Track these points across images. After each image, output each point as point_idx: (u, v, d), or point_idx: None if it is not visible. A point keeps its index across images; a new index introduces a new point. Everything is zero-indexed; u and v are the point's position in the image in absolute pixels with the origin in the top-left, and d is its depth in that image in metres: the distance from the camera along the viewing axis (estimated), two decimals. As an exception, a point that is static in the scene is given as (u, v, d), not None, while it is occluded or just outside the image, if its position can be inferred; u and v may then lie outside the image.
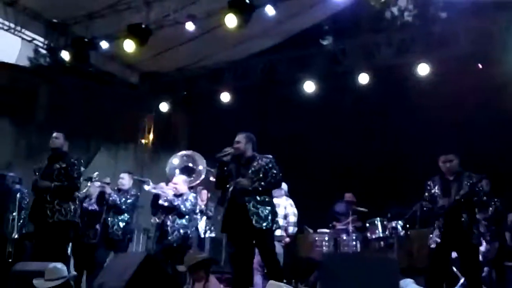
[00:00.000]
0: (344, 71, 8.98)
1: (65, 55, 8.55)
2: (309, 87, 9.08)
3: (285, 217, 7.18)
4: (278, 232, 6.69)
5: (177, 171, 7.44)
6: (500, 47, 7.76)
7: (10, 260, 6.70)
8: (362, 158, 9.51)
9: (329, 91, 9.21)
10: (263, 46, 9.13)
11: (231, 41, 8.64)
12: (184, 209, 6.75)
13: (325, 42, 8.58)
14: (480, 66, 8.36)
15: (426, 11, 8.91)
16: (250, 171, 5.34)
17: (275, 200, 6.73)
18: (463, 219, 5.32)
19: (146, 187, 7.04)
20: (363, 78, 8.70)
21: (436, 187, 5.55)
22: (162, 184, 7.03)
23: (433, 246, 5.54)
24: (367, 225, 8.15)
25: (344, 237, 8.19)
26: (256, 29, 8.26)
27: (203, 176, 7.49)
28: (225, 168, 5.44)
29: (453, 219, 5.35)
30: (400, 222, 7.89)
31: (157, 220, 6.86)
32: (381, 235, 8.00)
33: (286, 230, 7.21)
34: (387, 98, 9.18)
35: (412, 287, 5.15)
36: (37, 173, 5.99)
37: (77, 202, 6.20)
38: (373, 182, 9.18)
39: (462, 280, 6.40)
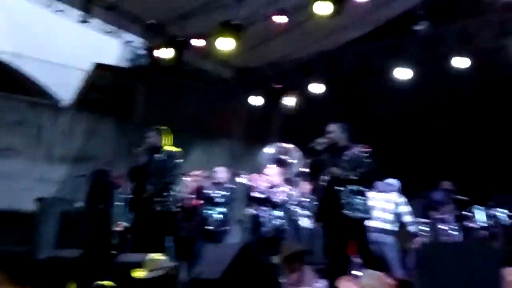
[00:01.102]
0: (441, 57, 8.58)
1: (162, 54, 8.85)
2: (403, 74, 8.79)
3: (399, 215, 6.93)
4: (387, 226, 6.64)
5: (270, 162, 7.48)
6: None
7: (114, 252, 7.06)
8: (461, 144, 9.08)
9: (425, 78, 8.86)
10: (354, 35, 8.94)
11: (321, 32, 8.56)
12: (277, 200, 6.79)
13: (419, 28, 8.22)
14: None
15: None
16: (344, 161, 5.30)
17: (384, 195, 6.67)
18: None
19: (240, 180, 7.15)
20: (462, 63, 8.29)
21: None
22: (256, 176, 7.11)
23: None
24: (468, 214, 7.79)
25: (444, 227, 7.88)
26: (347, 19, 8.10)
27: (298, 168, 7.48)
28: (319, 158, 5.42)
29: None
30: (504, 210, 7.48)
31: (251, 212, 6.95)
32: (483, 224, 7.62)
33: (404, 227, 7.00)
34: (488, 83, 8.66)
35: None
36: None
37: (175, 194, 6.40)
38: (473, 169, 8.74)
39: None
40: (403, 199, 7.04)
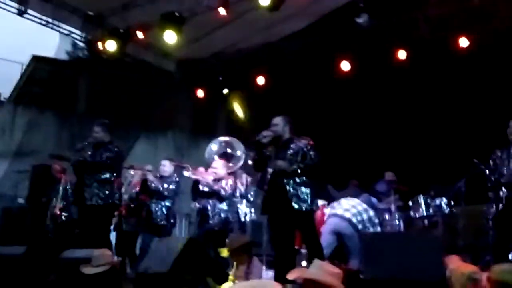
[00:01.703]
0: (380, 49, 8.79)
1: (104, 46, 8.67)
2: (345, 66, 8.97)
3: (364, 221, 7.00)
4: (354, 219, 6.75)
5: (216, 156, 7.50)
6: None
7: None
8: (401, 135, 9.36)
9: (366, 70, 9.05)
10: (297, 27, 9.02)
11: (264, 24, 8.59)
12: (223, 193, 6.83)
13: (360, 20, 8.37)
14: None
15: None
16: (288, 153, 5.37)
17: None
18: None
19: (186, 173, 7.14)
20: (400, 55, 8.54)
21: (503, 156, 5.45)
22: (201, 169, 7.12)
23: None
24: (410, 203, 8.03)
25: (387, 217, 8.07)
26: (289, 10, 8.16)
27: (241, 162, 7.53)
28: (263, 151, 5.47)
29: None
30: (444, 199, 7.75)
31: (198, 205, 6.97)
32: (424, 213, 7.84)
33: None
34: (425, 74, 8.96)
35: (457, 263, 5.05)
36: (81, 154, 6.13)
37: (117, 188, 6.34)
38: (414, 160, 9.03)
39: None
40: (374, 214, 7.16)
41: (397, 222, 7.98)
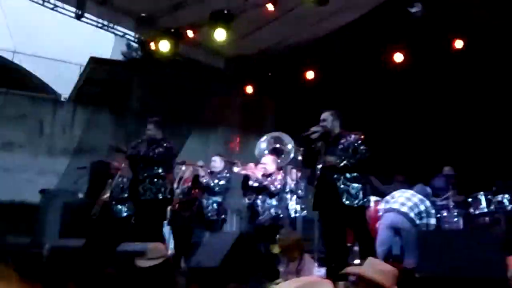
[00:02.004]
0: (435, 39, 8.51)
1: (155, 46, 8.86)
2: (398, 57, 8.78)
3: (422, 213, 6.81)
4: (411, 214, 6.61)
5: (266, 152, 7.53)
6: None
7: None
8: (462, 128, 8.96)
9: (420, 61, 8.75)
10: (347, 20, 8.88)
11: (313, 18, 8.52)
12: (273, 189, 6.83)
13: (413, 10, 8.15)
14: None
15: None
16: (338, 148, 5.30)
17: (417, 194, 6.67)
18: None
19: (236, 169, 7.19)
20: (457, 44, 8.27)
21: None
22: (251, 165, 7.15)
23: None
24: (470, 200, 7.75)
25: (445, 214, 7.80)
26: (339, 3, 8.07)
27: (292, 156, 7.51)
28: (313, 146, 5.43)
29: None
30: (506, 195, 7.43)
31: (248, 201, 7.00)
32: (485, 210, 7.56)
33: None
34: (485, 62, 8.54)
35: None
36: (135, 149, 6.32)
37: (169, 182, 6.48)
38: (475, 154, 8.62)
39: None
40: (430, 204, 6.94)
41: (456, 219, 7.73)
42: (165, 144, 6.33)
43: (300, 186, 7.88)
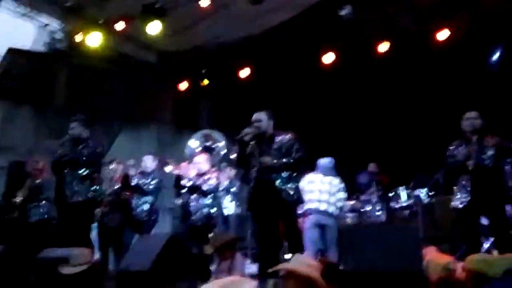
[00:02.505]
0: (364, 41, 8.76)
1: (81, 38, 8.49)
2: (329, 58, 8.94)
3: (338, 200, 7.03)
4: (331, 209, 6.80)
5: (197, 151, 7.44)
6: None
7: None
8: (383, 127, 9.39)
9: (349, 62, 9.03)
10: (281, 19, 8.92)
11: (248, 16, 8.48)
12: (206, 188, 6.75)
13: (343, 12, 8.32)
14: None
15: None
16: (273, 148, 5.32)
17: (328, 179, 6.86)
18: (491, 180, 5.27)
19: (168, 169, 7.04)
20: (382, 47, 8.55)
21: (459, 148, 5.46)
22: (184, 164, 7.03)
23: (460, 206, 5.46)
24: (391, 194, 8.10)
25: (368, 208, 8.15)
26: (273, 3, 8.09)
27: (223, 153, 7.47)
28: (247, 147, 5.39)
29: (480, 180, 5.29)
30: (423, 190, 7.84)
31: (180, 201, 6.88)
32: (404, 204, 7.96)
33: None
34: (408, 65, 8.96)
35: (433, 255, 5.06)
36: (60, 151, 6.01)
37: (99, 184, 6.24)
38: (396, 151, 9.07)
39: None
40: (343, 185, 7.11)
41: (379, 213, 8.06)
42: (91, 144, 6.04)
43: (234, 184, 7.87)
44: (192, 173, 6.87)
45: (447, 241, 7.32)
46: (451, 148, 5.58)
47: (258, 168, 5.28)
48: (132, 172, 7.09)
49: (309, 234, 6.80)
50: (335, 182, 7.02)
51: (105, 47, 8.62)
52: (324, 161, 7.15)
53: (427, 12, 8.35)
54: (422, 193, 7.90)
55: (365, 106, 9.34)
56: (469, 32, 8.19)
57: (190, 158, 7.36)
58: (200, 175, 6.89)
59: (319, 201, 6.86)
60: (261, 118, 5.38)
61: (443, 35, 8.27)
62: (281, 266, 3.73)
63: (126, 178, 7.10)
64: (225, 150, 7.62)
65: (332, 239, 6.79)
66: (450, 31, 8.20)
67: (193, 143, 7.75)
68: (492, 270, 3.61)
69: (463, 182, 5.42)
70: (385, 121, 9.38)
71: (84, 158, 5.95)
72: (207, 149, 7.58)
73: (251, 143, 5.34)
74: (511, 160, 6.02)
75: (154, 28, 7.86)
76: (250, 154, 5.36)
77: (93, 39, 8.22)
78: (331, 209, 6.85)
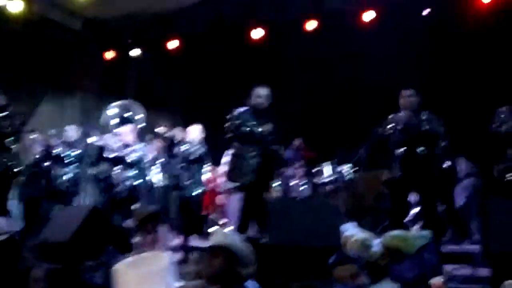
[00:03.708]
0: (292, 18, 8.87)
1: (4, 2, 8.08)
2: (256, 33, 9.00)
3: None
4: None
5: (113, 121, 7.31)
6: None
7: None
8: (309, 104, 9.58)
9: (277, 38, 9.14)
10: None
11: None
12: (130, 160, 6.71)
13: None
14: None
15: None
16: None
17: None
18: (421, 153, 5.47)
19: (90, 140, 6.94)
20: (310, 25, 8.70)
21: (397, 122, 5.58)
22: (107, 136, 6.93)
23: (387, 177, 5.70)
24: (316, 170, 8.34)
25: (293, 183, 8.36)
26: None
27: (141, 125, 7.40)
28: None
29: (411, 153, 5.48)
30: (347, 165, 8.12)
31: (104, 173, 6.80)
32: (328, 179, 8.22)
33: None
34: (335, 44, 9.16)
35: (352, 230, 5.34)
36: None
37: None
38: (321, 128, 9.30)
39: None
40: None
41: (303, 188, 8.30)
42: (9, 113, 5.85)
43: (160, 157, 7.85)
44: (116, 144, 6.79)
45: (369, 215, 7.70)
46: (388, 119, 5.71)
47: (263, 138, 5.75)
48: (54, 142, 6.93)
49: (234, 206, 6.96)
50: None
51: (29, 11, 8.26)
52: None
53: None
54: (346, 168, 8.17)
55: (292, 83, 9.48)
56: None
57: (106, 127, 7.24)
58: (125, 146, 6.83)
59: None
60: (261, 94, 5.91)
61: (368, 16, 8.50)
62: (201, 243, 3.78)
63: (47, 148, 6.95)
64: (144, 123, 7.55)
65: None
66: (376, 12, 8.41)
67: (111, 112, 7.62)
68: (407, 247, 3.80)
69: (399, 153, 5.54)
70: (310, 98, 9.57)
71: (4, 129, 5.78)
72: (125, 120, 7.49)
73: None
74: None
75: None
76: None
77: (15, 5, 7.85)
78: None
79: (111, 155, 6.73)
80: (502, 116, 5.78)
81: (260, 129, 5.80)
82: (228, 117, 5.85)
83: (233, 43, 9.31)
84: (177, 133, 6.91)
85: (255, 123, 5.82)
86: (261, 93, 5.96)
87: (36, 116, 8.82)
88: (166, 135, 6.80)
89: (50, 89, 9.46)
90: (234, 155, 5.91)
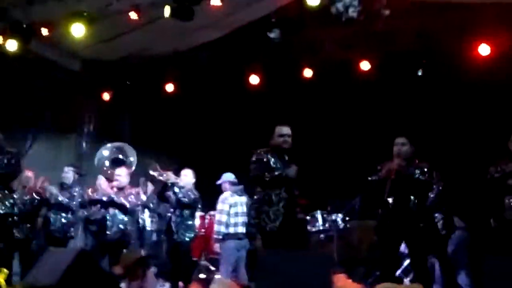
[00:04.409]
0: (289, 65, 9.00)
1: (3, 41, 8.20)
2: (254, 80, 9.13)
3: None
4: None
5: (106, 162, 7.36)
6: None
7: None
8: (304, 151, 9.61)
9: (275, 84, 9.25)
10: (209, 37, 9.03)
11: (176, 31, 8.51)
12: (128, 205, 6.72)
13: (272, 35, 8.54)
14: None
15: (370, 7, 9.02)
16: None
17: (242, 199, 7.09)
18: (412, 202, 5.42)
19: (89, 192, 6.93)
20: (306, 73, 8.84)
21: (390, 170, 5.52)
22: (100, 178, 6.92)
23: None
24: (308, 217, 8.27)
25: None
26: (202, 21, 8.17)
27: (133, 168, 7.46)
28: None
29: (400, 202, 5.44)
30: (339, 214, 8.09)
31: (95, 215, 6.78)
32: (321, 228, 8.16)
33: None
34: (331, 92, 9.28)
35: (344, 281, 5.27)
36: None
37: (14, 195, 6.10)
38: (314, 175, 9.30)
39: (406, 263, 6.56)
40: (246, 199, 7.21)
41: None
42: (9, 155, 5.89)
43: (152, 200, 7.84)
44: (110, 191, 6.76)
45: (362, 264, 7.62)
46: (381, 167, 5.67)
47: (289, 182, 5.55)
48: (53, 190, 6.96)
49: (229, 255, 6.96)
50: (244, 200, 7.16)
51: (27, 51, 8.37)
52: (233, 178, 7.26)
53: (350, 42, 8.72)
54: (339, 217, 8.12)
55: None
56: (386, 64, 8.59)
57: (99, 168, 7.27)
58: (119, 189, 6.82)
59: (236, 224, 7.05)
60: (284, 132, 5.76)
61: (364, 65, 8.63)
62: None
63: (44, 193, 6.97)
64: (135, 166, 7.59)
65: (244, 259, 6.93)
66: (370, 63, 8.56)
67: (105, 151, 7.67)
68: None
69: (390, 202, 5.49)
70: (306, 145, 9.61)
71: (6, 170, 5.81)
72: (117, 161, 7.53)
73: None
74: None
75: (78, 33, 7.70)
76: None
77: (12, 46, 7.95)
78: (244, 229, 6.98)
79: (104, 199, 6.72)
80: None
81: (288, 172, 5.59)
82: (253, 159, 5.64)
83: (229, 87, 9.40)
84: (170, 176, 6.90)
85: (280, 165, 5.59)
86: (284, 131, 5.74)
87: (30, 157, 8.80)
88: (160, 177, 6.78)
89: (45, 130, 9.47)
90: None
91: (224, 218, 7.05)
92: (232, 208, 7.06)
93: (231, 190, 7.15)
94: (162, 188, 6.87)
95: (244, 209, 7.05)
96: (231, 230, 7.04)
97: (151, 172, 6.80)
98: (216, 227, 7.04)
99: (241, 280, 6.42)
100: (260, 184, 5.58)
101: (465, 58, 8.06)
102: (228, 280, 4.16)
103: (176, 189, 6.70)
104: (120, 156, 7.65)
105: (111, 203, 6.67)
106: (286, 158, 5.71)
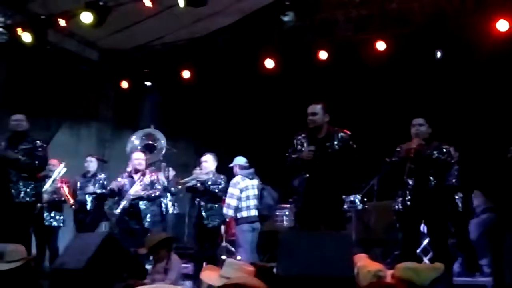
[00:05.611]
0: (304, 48, 9.00)
1: (22, 32, 8.34)
2: (269, 63, 9.14)
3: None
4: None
5: (139, 148, 7.51)
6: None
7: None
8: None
9: (290, 67, 9.23)
10: (223, 23, 9.09)
11: (190, 18, 8.60)
12: (154, 195, 6.87)
13: (286, 18, 8.55)
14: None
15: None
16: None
17: (254, 182, 7.06)
18: (431, 182, 5.41)
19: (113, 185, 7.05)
20: (322, 55, 8.82)
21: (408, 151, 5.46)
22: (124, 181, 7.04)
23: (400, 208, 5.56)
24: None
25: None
26: (216, 6, 8.24)
27: (163, 152, 7.57)
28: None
29: (420, 183, 5.42)
30: (358, 195, 8.13)
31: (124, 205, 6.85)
32: (340, 209, 8.21)
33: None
34: (347, 74, 9.26)
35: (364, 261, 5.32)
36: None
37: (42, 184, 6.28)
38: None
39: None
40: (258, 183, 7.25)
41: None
42: (40, 147, 6.05)
43: (173, 184, 7.96)
44: (138, 188, 6.85)
45: (379, 245, 7.67)
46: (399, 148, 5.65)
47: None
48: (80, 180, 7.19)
49: (246, 237, 7.03)
50: (256, 183, 7.21)
51: (45, 42, 8.51)
52: (244, 162, 7.31)
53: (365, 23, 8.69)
54: (357, 198, 8.17)
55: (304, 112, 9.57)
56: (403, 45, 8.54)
57: (129, 154, 7.41)
58: (136, 172, 6.93)
59: (248, 207, 7.08)
60: (316, 111, 5.48)
61: (381, 45, 8.57)
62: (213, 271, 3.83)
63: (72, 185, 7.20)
64: (165, 150, 7.71)
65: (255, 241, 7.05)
66: (386, 43, 8.51)
67: (136, 139, 7.82)
68: (420, 279, 3.68)
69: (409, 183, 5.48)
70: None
71: (37, 163, 5.97)
72: (147, 147, 7.67)
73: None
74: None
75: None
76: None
77: (35, 35, 8.09)
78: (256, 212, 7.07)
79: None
80: None
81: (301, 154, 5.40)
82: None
83: (245, 72, 9.43)
84: (197, 175, 6.85)
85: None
86: (309, 110, 5.51)
87: (53, 145, 8.99)
88: (189, 184, 6.80)
89: (66, 119, 9.65)
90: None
91: (233, 202, 6.95)
92: (243, 192, 7.01)
93: (241, 174, 7.15)
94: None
95: (256, 192, 7.08)
96: (244, 214, 7.05)
97: (179, 187, 6.93)
98: (224, 210, 7.04)
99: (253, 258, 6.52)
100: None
101: (483, 35, 7.89)
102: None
103: (209, 183, 6.74)
104: (150, 142, 7.80)
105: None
106: (321, 136, 5.50)
